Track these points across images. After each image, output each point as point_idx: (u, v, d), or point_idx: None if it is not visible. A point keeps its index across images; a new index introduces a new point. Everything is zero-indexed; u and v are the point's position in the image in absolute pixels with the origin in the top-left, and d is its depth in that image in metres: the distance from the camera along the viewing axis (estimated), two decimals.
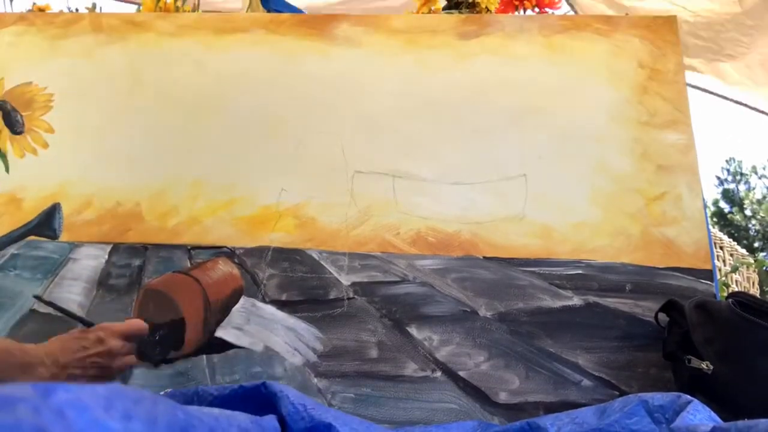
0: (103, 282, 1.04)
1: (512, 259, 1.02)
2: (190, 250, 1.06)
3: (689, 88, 1.16)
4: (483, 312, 0.99)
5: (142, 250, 1.06)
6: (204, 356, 0.97)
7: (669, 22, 1.16)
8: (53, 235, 1.07)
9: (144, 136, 1.14)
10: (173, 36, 1.21)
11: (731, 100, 2.12)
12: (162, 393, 0.76)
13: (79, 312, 1.00)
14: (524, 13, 1.30)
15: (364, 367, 0.95)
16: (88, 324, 0.82)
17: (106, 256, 1.06)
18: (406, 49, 1.18)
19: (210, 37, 1.20)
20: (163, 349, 0.96)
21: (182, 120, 1.15)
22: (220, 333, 0.98)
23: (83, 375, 0.70)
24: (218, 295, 1.00)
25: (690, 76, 1.83)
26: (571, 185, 1.06)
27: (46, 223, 1.08)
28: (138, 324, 0.81)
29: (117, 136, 1.14)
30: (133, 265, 1.05)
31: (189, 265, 1.04)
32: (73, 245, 1.07)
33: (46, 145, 1.15)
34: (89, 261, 1.06)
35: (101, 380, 0.72)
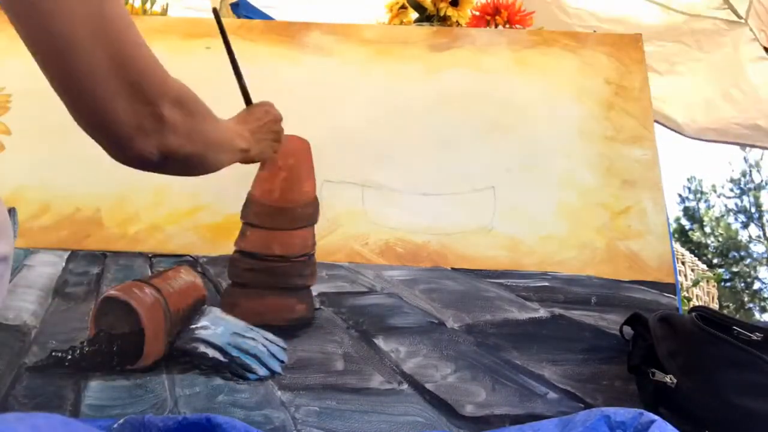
0: (59, 290, 1.00)
1: (480, 270, 1.02)
2: (151, 258, 1.03)
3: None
4: (450, 324, 0.98)
5: (101, 257, 1.03)
6: (164, 368, 0.94)
7: (635, 40, 1.18)
8: None
9: None
10: None
11: None
12: (121, 421, 0.73)
13: (32, 321, 0.96)
14: (495, 28, 1.31)
15: (330, 380, 0.93)
16: (249, 100, 0.91)
17: (63, 263, 1.02)
18: (377, 59, 1.17)
19: (178, 41, 1.18)
20: (121, 361, 0.93)
21: None
22: (180, 344, 0.95)
23: (266, 139, 0.82)
24: (179, 305, 0.97)
25: None
26: (539, 198, 1.07)
27: None
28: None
29: (77, 139, 1.08)
30: (92, 273, 1.01)
31: (150, 273, 1.01)
32: (29, 252, 1.03)
33: (2, 148, 1.10)
34: (45, 268, 1.02)
35: (278, 144, 0.88)
